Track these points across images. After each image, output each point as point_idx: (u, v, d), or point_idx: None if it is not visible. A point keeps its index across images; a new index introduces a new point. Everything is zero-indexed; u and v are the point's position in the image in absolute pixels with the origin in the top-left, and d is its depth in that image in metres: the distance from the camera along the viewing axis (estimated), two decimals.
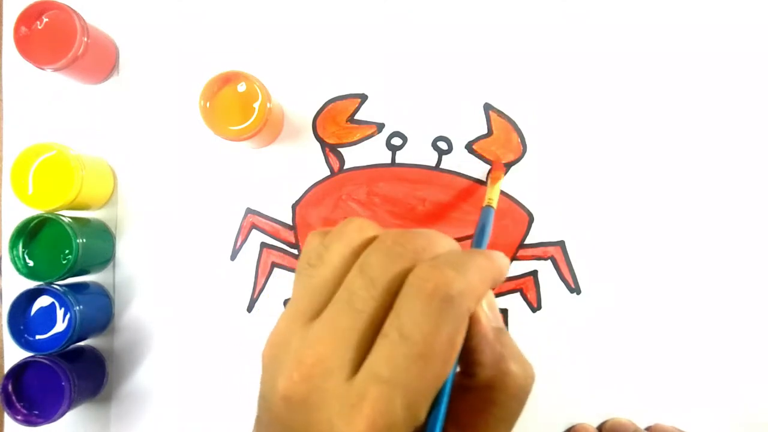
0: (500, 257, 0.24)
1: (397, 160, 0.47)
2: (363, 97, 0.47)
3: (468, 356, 0.23)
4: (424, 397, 0.20)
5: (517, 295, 0.46)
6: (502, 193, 0.46)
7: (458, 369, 0.24)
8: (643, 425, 0.44)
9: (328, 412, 0.20)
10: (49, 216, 0.43)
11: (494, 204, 0.40)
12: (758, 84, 0.46)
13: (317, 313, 0.22)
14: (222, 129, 0.43)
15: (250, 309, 0.47)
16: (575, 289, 0.46)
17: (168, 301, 0.48)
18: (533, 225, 0.46)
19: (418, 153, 0.47)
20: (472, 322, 0.23)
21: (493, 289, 0.24)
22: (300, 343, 0.22)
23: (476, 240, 0.36)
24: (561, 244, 0.46)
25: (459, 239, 0.46)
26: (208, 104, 0.43)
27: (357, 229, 0.24)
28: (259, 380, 0.24)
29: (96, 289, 0.47)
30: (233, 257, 0.47)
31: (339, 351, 0.21)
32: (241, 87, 0.43)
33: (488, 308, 0.24)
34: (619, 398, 0.45)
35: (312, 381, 0.21)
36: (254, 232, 0.47)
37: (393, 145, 0.47)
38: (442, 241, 0.23)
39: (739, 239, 0.45)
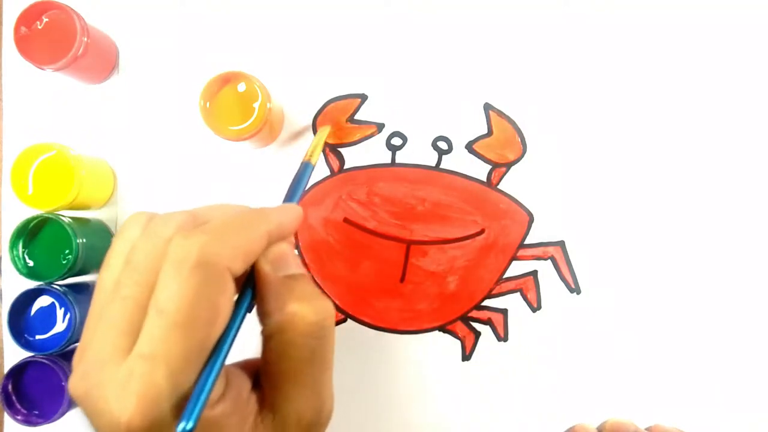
0: (278, 212, 0.25)
1: (397, 160, 0.47)
2: (363, 97, 0.47)
3: (258, 308, 0.25)
4: (187, 364, 0.21)
5: (517, 295, 0.46)
6: (503, 193, 0.46)
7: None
8: (643, 425, 0.44)
9: (106, 400, 0.21)
10: (49, 216, 0.43)
11: (314, 161, 0.39)
12: (758, 84, 0.46)
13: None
14: (222, 129, 0.43)
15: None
16: (575, 289, 0.46)
17: None
18: (533, 225, 0.46)
19: (418, 153, 0.47)
20: (255, 275, 0.25)
21: (284, 239, 0.25)
22: (86, 342, 0.23)
23: (286, 195, 0.36)
24: (561, 244, 0.46)
25: (459, 239, 0.46)
26: (208, 104, 0.43)
27: (134, 221, 0.25)
28: None
29: None
30: None
31: (109, 340, 0.21)
32: (241, 87, 0.43)
33: (274, 258, 0.25)
34: (619, 398, 0.45)
35: (90, 376, 0.21)
36: None
37: (393, 145, 0.47)
38: (207, 209, 0.24)
39: (740, 239, 0.45)
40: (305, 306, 0.24)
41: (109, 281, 0.23)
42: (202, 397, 0.21)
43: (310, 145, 0.42)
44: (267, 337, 0.24)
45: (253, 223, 0.24)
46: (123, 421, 0.20)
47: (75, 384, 0.22)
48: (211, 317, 0.21)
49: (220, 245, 0.22)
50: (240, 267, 0.23)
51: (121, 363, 0.21)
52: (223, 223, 0.23)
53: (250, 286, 0.25)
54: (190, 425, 0.20)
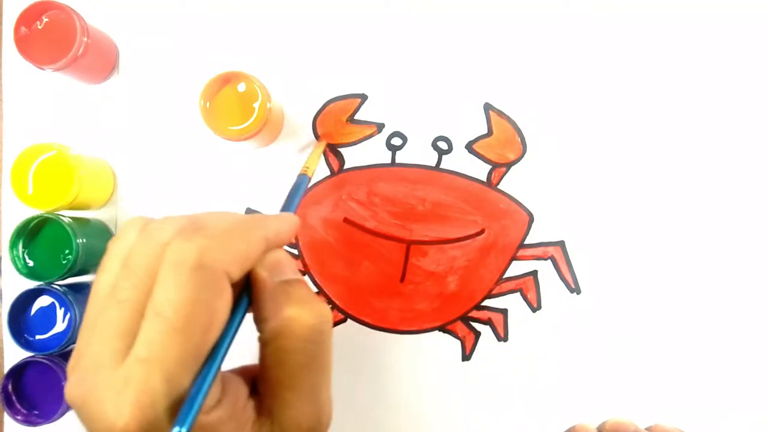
0: (275, 220, 0.25)
1: (397, 160, 0.47)
2: (363, 97, 0.47)
3: (255, 315, 0.25)
4: (183, 368, 0.21)
5: (517, 295, 0.46)
6: (503, 193, 0.46)
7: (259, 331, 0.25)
8: (643, 425, 0.44)
9: (102, 404, 0.20)
10: (49, 216, 0.43)
11: (310, 173, 0.40)
12: (758, 84, 0.46)
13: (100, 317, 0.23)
14: (222, 129, 0.43)
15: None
16: (575, 289, 0.46)
17: None
18: (533, 225, 0.46)
19: (418, 153, 0.47)
20: (252, 281, 0.24)
21: (279, 246, 0.26)
22: (81, 348, 0.22)
23: (283, 205, 0.36)
24: (561, 244, 0.46)
25: (459, 239, 0.46)
26: (208, 104, 0.43)
27: (131, 226, 0.25)
28: None
29: None
30: None
31: (106, 344, 0.21)
32: (241, 87, 0.43)
33: (271, 264, 0.25)
34: (619, 398, 0.45)
35: (86, 381, 0.21)
36: None
37: (393, 145, 0.47)
38: (208, 216, 0.24)
39: (739, 239, 0.45)
40: (302, 310, 0.23)
41: (106, 285, 0.23)
42: (198, 401, 0.20)
43: (308, 157, 0.43)
44: (264, 343, 0.24)
45: (251, 230, 0.24)
46: (119, 426, 0.20)
47: (71, 389, 0.21)
48: (208, 321, 0.21)
49: (218, 250, 0.22)
50: (238, 272, 0.23)
51: (117, 367, 0.21)
52: (222, 229, 0.23)
53: (247, 293, 0.25)
54: (185, 429, 0.20)
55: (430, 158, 0.47)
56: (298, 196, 0.37)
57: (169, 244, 0.22)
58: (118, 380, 0.20)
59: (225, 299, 0.22)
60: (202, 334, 0.21)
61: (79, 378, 0.21)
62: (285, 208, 0.36)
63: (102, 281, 0.24)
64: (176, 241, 0.22)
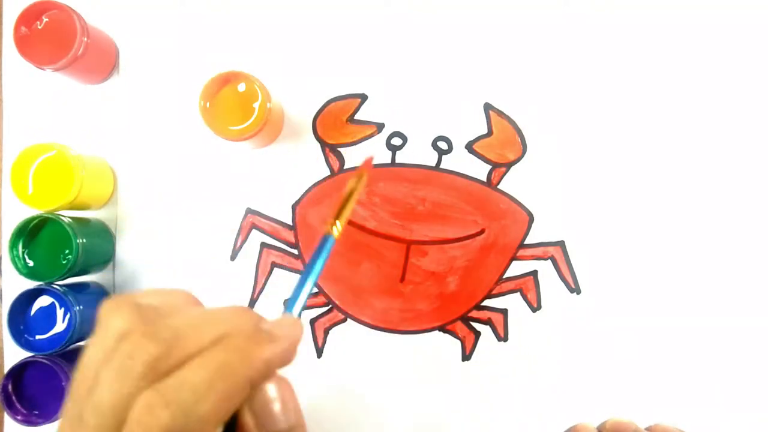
0: (269, 346, 0.22)
1: (397, 160, 0.47)
2: (363, 97, 0.47)
3: None
4: None
5: (517, 295, 0.46)
6: (503, 193, 0.46)
7: None
8: (643, 425, 0.44)
9: None
10: (49, 216, 0.43)
11: (335, 231, 0.31)
12: (758, 85, 0.46)
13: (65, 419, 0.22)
14: (222, 129, 0.43)
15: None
16: (575, 289, 0.46)
17: None
18: (533, 225, 0.46)
19: (418, 153, 0.47)
20: (238, 425, 0.22)
21: (273, 375, 0.22)
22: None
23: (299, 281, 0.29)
24: (561, 244, 0.46)
25: (459, 239, 0.46)
26: (208, 104, 0.43)
27: (110, 328, 0.22)
28: None
29: (96, 289, 0.47)
30: (233, 257, 0.47)
31: None
32: (241, 87, 0.43)
33: (259, 412, 0.22)
34: (619, 398, 0.45)
35: None
36: (254, 232, 0.47)
37: (393, 145, 0.47)
38: (188, 342, 0.21)
39: (739, 239, 0.45)
40: None
41: (79, 391, 0.22)
42: None
43: (337, 208, 0.32)
44: None
45: (234, 375, 0.21)
46: None
47: None
48: None
49: (186, 421, 0.20)
50: (214, 429, 0.20)
51: None
52: (196, 389, 0.20)
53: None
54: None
55: (430, 158, 0.47)
56: (324, 256, 0.30)
57: (139, 399, 0.20)
58: None
59: None
60: None
61: None
62: (296, 291, 0.28)
63: (74, 387, 0.22)
64: (142, 408, 0.20)
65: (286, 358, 0.22)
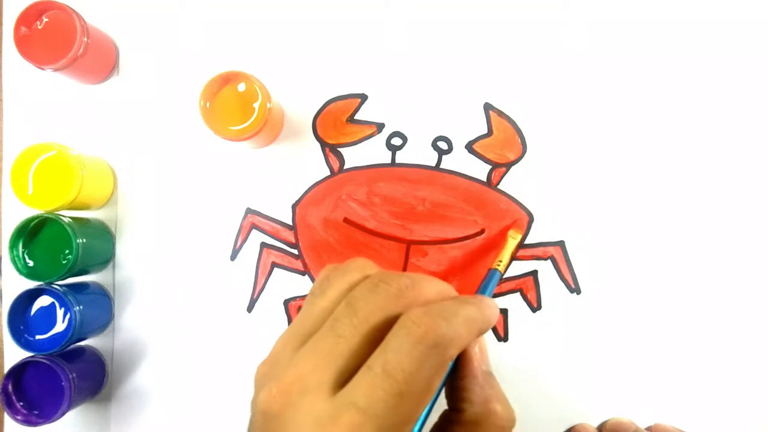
0: (489, 307, 0.26)
1: (397, 160, 0.47)
2: (363, 97, 0.47)
3: (459, 393, 0.26)
4: (395, 430, 0.22)
5: (517, 295, 0.46)
6: (503, 193, 0.46)
7: (447, 407, 0.26)
8: (643, 425, 0.44)
9: (300, 428, 0.22)
10: (49, 216, 0.43)
11: (502, 268, 0.42)
12: (758, 84, 0.46)
13: (309, 339, 0.24)
14: (222, 129, 0.43)
15: (250, 309, 0.47)
16: (575, 289, 0.46)
17: (168, 301, 0.48)
18: (533, 225, 0.46)
19: (418, 153, 0.47)
20: (465, 362, 0.26)
21: (482, 335, 0.27)
22: (286, 362, 0.24)
23: (480, 290, 0.39)
24: (561, 244, 0.46)
25: (459, 239, 0.46)
26: (208, 104, 0.43)
27: (358, 267, 0.27)
28: None
29: (96, 289, 0.47)
30: (233, 257, 0.47)
31: (318, 371, 0.22)
32: (241, 87, 0.43)
33: (480, 351, 0.27)
34: (619, 398, 0.45)
35: (289, 396, 0.22)
36: (254, 232, 0.47)
37: (393, 145, 0.47)
38: (427, 284, 0.25)
39: (739, 239, 0.45)
40: (504, 409, 0.26)
41: (323, 310, 0.25)
42: None
43: (502, 251, 0.44)
44: (460, 423, 0.26)
45: (476, 316, 0.25)
46: None
47: (270, 398, 0.23)
48: (426, 397, 0.23)
49: (453, 333, 0.23)
50: (456, 354, 0.24)
51: (325, 399, 0.22)
52: (454, 311, 0.24)
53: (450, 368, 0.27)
54: None
55: (430, 158, 0.47)
56: (487, 292, 0.40)
57: (411, 310, 0.23)
58: (324, 414, 0.21)
59: (440, 379, 0.23)
60: (419, 404, 0.22)
61: (282, 391, 0.23)
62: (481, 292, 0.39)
63: (319, 304, 0.25)
64: (419, 312, 0.23)
65: (493, 322, 0.27)
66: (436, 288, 0.26)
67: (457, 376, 0.26)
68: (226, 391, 0.47)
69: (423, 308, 0.23)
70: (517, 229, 0.45)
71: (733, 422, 0.44)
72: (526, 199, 0.46)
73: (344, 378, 0.22)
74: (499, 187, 0.46)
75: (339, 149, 0.47)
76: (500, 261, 0.42)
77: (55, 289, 0.42)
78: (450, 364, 0.24)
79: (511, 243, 0.44)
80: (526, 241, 0.46)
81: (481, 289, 0.40)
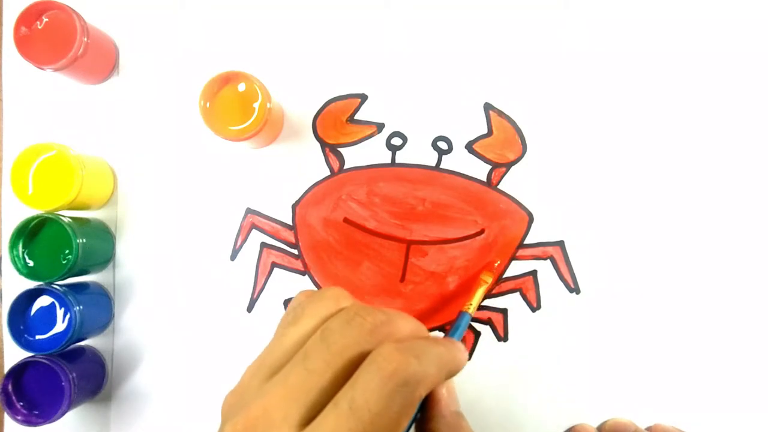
0: (459, 351, 0.26)
1: (397, 160, 0.47)
2: (363, 97, 0.47)
3: (425, 428, 0.26)
4: None
5: (517, 295, 0.46)
6: (503, 193, 0.46)
7: None
8: (643, 425, 0.44)
9: None
10: (49, 216, 0.43)
11: (471, 310, 0.42)
12: (758, 84, 0.46)
13: (279, 370, 0.23)
14: (222, 129, 0.43)
15: (250, 309, 0.47)
16: (575, 288, 0.46)
17: (168, 301, 0.48)
18: (533, 225, 0.46)
19: (418, 153, 0.47)
20: (433, 403, 0.26)
21: (451, 377, 0.27)
22: (253, 394, 0.23)
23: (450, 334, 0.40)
24: (560, 244, 0.46)
25: (459, 239, 0.46)
26: (208, 104, 0.43)
27: (333, 297, 0.26)
28: None
29: (96, 289, 0.47)
30: (233, 257, 0.47)
31: (284, 405, 0.22)
32: (241, 87, 0.43)
33: (447, 393, 0.26)
34: (619, 398, 0.45)
35: (256, 428, 0.22)
36: (254, 232, 0.47)
37: (393, 145, 0.47)
38: (401, 321, 0.25)
39: (739, 239, 0.45)
40: None
41: (293, 341, 0.24)
42: None
43: (472, 294, 0.43)
44: None
45: (447, 357, 0.25)
46: None
47: (236, 426, 0.22)
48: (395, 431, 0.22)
49: (423, 372, 0.23)
50: (425, 393, 0.24)
51: None
52: (425, 350, 0.23)
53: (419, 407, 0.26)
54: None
55: (430, 158, 0.47)
56: (458, 334, 0.40)
57: (381, 346, 0.23)
58: None
59: (408, 418, 0.23)
60: None
61: (247, 427, 0.22)
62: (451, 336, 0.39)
63: (291, 334, 0.25)
64: (390, 349, 0.22)
65: (462, 365, 0.27)
66: (409, 326, 0.25)
67: (425, 418, 0.26)
68: (225, 392, 0.47)
69: (394, 344, 0.23)
70: (488, 272, 0.45)
71: (733, 422, 0.44)
72: (525, 199, 0.46)
73: (312, 414, 0.22)
74: (499, 187, 0.46)
75: (339, 149, 0.47)
76: (470, 304, 0.42)
77: (55, 289, 0.42)
78: (418, 405, 0.23)
79: (482, 286, 0.44)
80: (526, 241, 0.46)
81: (452, 332, 0.39)
